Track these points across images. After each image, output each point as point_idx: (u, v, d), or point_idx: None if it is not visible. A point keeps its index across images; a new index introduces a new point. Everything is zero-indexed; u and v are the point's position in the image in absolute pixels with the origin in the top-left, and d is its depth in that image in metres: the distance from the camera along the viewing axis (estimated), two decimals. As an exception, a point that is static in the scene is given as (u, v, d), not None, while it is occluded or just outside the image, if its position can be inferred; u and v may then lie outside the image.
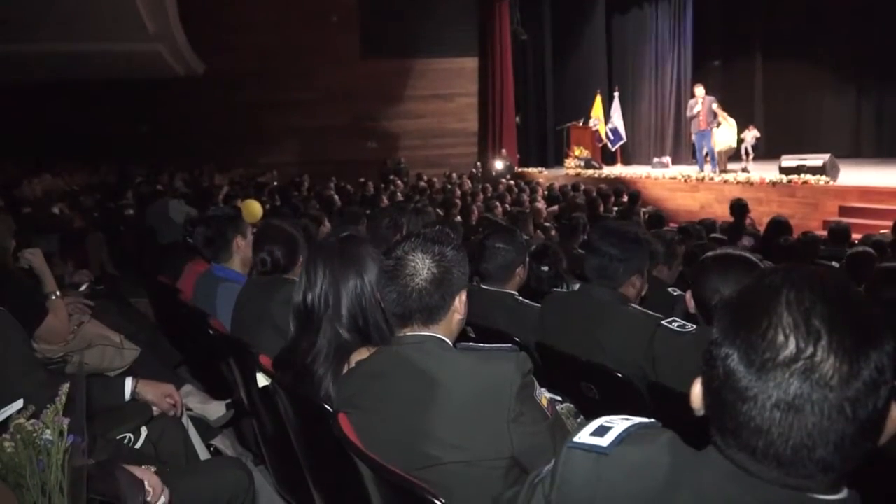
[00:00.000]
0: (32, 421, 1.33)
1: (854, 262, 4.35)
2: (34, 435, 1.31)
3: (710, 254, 2.18)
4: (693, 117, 12.00)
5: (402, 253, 1.56)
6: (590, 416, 1.07)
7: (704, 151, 12.10)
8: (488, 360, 1.50)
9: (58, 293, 3.00)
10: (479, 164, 16.79)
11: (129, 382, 2.31)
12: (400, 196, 10.37)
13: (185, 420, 2.58)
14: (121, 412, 2.24)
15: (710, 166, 12.01)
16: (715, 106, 11.78)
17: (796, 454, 0.77)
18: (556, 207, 9.55)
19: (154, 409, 2.33)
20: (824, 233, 6.93)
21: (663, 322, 2.32)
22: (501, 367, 1.46)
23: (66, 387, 1.38)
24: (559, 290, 3.04)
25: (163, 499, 1.64)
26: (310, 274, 1.91)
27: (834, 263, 5.36)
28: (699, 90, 12.06)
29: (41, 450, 1.32)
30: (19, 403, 1.42)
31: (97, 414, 2.02)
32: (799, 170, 10.23)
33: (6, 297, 2.56)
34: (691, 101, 12.21)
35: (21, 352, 1.92)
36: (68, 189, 9.29)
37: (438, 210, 7.44)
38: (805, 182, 10.06)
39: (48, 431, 1.32)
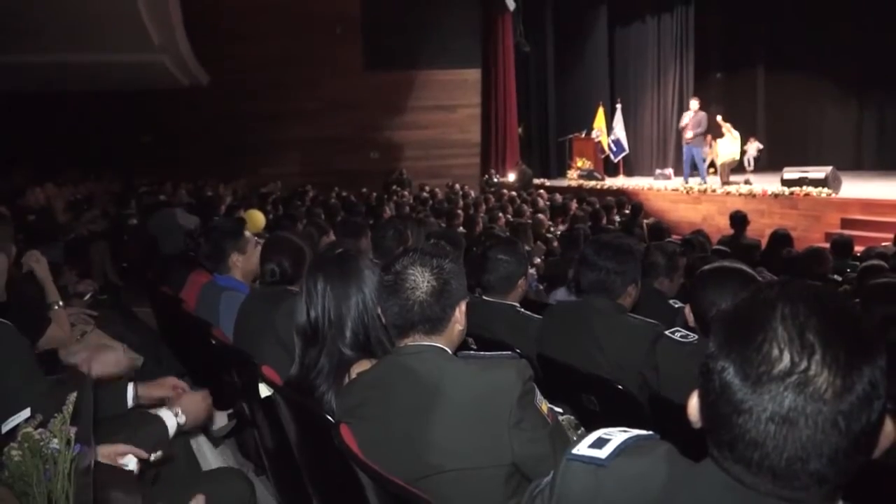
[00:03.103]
0: (40, 430, 1.34)
1: (867, 274, 4.34)
2: (41, 444, 1.32)
3: (706, 267, 2.19)
4: (683, 129, 12.15)
5: (401, 267, 1.59)
6: (590, 428, 1.09)
7: (691, 164, 12.23)
8: (489, 367, 1.52)
9: (60, 303, 3.01)
10: (487, 175, 16.71)
11: (130, 388, 2.31)
12: (407, 208, 10.34)
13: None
14: (136, 434, 2.22)
15: (696, 179, 12.10)
16: (719, 118, 11.84)
17: (790, 467, 0.77)
18: (558, 219, 9.55)
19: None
20: (826, 245, 6.93)
21: (666, 332, 2.33)
22: (502, 374, 1.48)
23: (73, 396, 1.39)
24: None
25: (133, 461, 1.65)
26: (310, 290, 1.91)
27: (836, 276, 5.36)
28: (693, 103, 12.19)
29: (48, 458, 1.33)
30: (27, 412, 1.43)
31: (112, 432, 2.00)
32: (801, 182, 10.23)
33: (8, 306, 2.58)
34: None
35: (25, 363, 1.92)
36: (72, 198, 9.32)
37: (441, 222, 7.44)
38: (807, 194, 10.07)
39: (55, 440, 1.33)
